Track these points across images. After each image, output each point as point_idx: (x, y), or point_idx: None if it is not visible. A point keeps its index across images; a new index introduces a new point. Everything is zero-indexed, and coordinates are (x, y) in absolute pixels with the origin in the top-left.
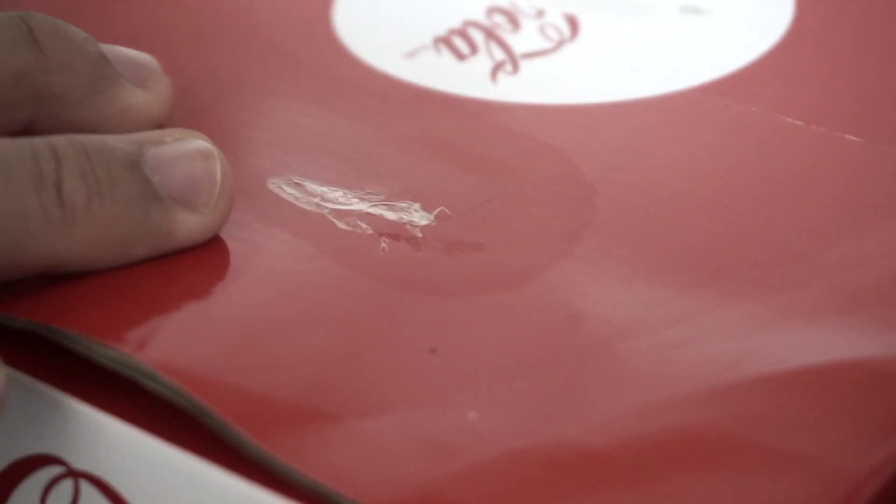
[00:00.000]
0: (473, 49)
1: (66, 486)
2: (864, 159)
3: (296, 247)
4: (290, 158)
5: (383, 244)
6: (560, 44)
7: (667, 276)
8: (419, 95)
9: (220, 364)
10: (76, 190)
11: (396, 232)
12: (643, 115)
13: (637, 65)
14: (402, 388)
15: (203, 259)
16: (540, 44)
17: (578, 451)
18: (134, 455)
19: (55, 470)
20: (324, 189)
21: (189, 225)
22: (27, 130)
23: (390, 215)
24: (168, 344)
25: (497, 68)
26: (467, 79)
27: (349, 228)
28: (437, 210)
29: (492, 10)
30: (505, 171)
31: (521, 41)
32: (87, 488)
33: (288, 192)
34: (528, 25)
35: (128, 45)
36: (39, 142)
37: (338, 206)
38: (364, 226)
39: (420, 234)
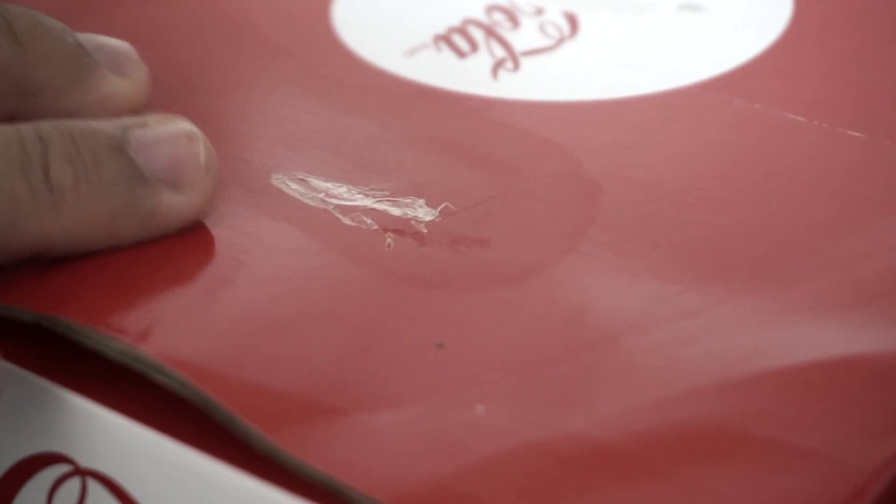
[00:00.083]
0: (474, 47)
1: (74, 484)
2: (866, 155)
3: (301, 242)
4: (293, 154)
5: (389, 240)
6: (560, 41)
7: (672, 271)
8: (421, 92)
9: (228, 358)
10: (63, 173)
11: (402, 227)
12: (646, 111)
13: (638, 62)
14: (409, 383)
15: (207, 253)
16: (540, 41)
17: (587, 445)
18: (141, 453)
19: (62, 468)
20: (328, 185)
21: (175, 205)
22: (8, 122)
23: (395, 211)
24: (174, 337)
25: (498, 66)
26: (468, 76)
27: (354, 224)
28: (442, 206)
29: (491, 9)
30: (509, 167)
31: (522, 39)
32: (94, 486)
33: (292, 187)
34: (528, 23)
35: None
36: (25, 128)
37: (342, 202)
38: (369, 221)
39: (425, 230)
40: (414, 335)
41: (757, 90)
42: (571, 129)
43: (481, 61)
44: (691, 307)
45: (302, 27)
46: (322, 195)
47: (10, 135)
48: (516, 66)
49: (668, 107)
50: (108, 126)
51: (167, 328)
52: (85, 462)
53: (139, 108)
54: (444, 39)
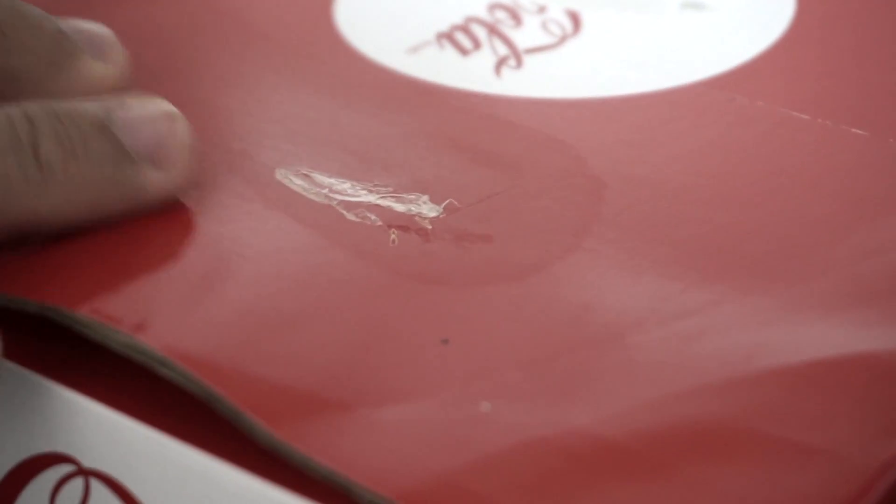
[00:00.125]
0: (476, 44)
1: (77, 484)
2: (869, 152)
3: (305, 237)
4: (297, 150)
5: (393, 235)
6: (563, 39)
7: (677, 268)
8: (424, 90)
9: (231, 353)
10: (52, 151)
11: (406, 224)
12: (649, 109)
13: (641, 59)
14: (414, 378)
15: (210, 248)
16: (543, 39)
17: (591, 442)
18: (144, 453)
19: (65, 468)
20: (332, 181)
21: (158, 182)
22: None
23: (399, 207)
24: (177, 331)
25: (501, 63)
26: (471, 73)
27: (358, 220)
28: (446, 202)
29: (493, 7)
30: (513, 163)
31: (524, 36)
32: (97, 486)
33: (296, 183)
34: (530, 21)
35: (131, 43)
36: (12, 109)
37: (346, 198)
38: (373, 217)
39: (429, 226)
40: (418, 331)
41: (760, 88)
42: (575, 126)
43: (484, 59)
44: (695, 305)
45: (304, 25)
46: (326, 191)
47: None
48: (519, 63)
49: (672, 104)
50: (91, 106)
51: (170, 322)
52: (88, 462)
53: (119, 91)
54: (447, 37)
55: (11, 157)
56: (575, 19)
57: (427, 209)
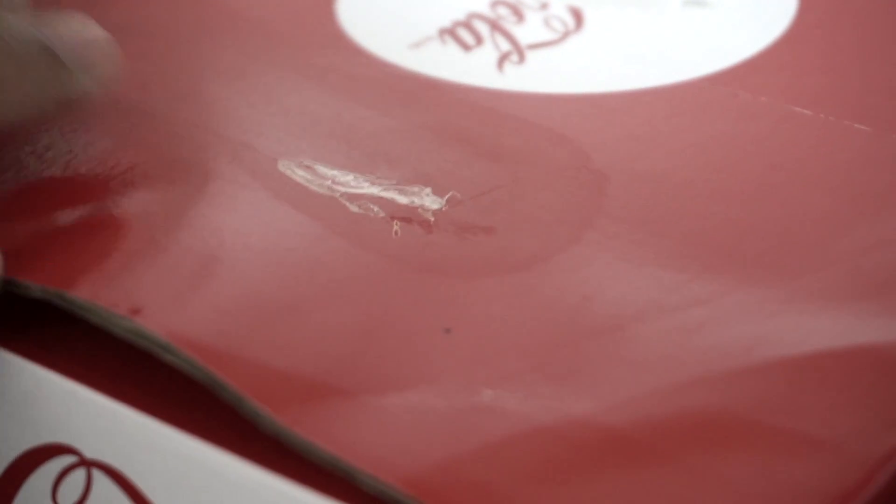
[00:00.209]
0: (479, 40)
1: (79, 475)
2: (872, 148)
3: (308, 228)
4: (300, 142)
5: (396, 227)
6: (566, 35)
7: (679, 260)
8: (427, 84)
9: (234, 339)
10: None
11: (408, 215)
12: (652, 104)
13: (644, 55)
14: (417, 366)
15: (213, 237)
16: (545, 35)
17: (594, 431)
18: (146, 443)
19: (67, 459)
20: (335, 172)
21: (86, 83)
22: None
23: (402, 199)
24: (179, 318)
25: (503, 59)
26: (473, 69)
27: (361, 211)
28: (449, 194)
29: (496, 3)
30: (515, 157)
31: (527, 32)
32: (99, 477)
33: (299, 174)
34: (533, 17)
35: (134, 38)
36: None
37: (349, 190)
38: (376, 209)
39: (432, 218)
40: (421, 320)
41: (763, 83)
42: (577, 121)
43: (486, 54)
44: (698, 296)
45: (307, 21)
46: (329, 182)
47: None
48: (522, 59)
49: (674, 100)
50: (17, 16)
51: (172, 309)
52: (90, 453)
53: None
54: (449, 33)
55: None
56: (577, 15)
57: (430, 201)
